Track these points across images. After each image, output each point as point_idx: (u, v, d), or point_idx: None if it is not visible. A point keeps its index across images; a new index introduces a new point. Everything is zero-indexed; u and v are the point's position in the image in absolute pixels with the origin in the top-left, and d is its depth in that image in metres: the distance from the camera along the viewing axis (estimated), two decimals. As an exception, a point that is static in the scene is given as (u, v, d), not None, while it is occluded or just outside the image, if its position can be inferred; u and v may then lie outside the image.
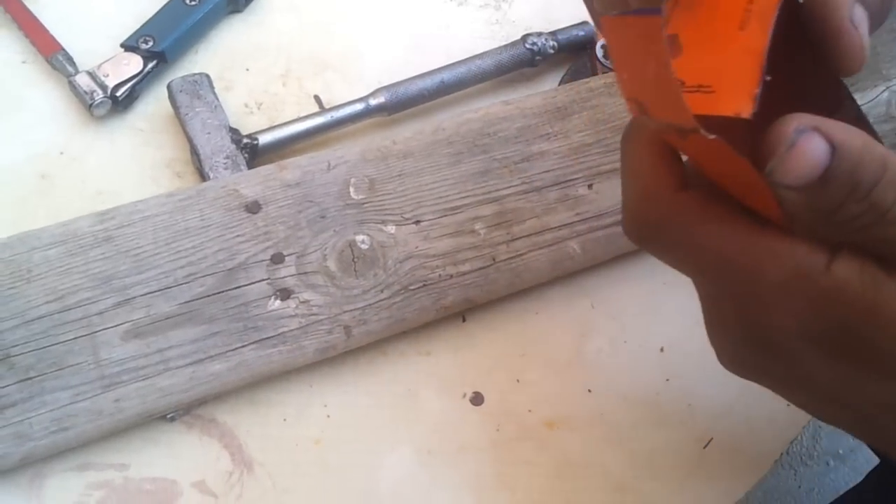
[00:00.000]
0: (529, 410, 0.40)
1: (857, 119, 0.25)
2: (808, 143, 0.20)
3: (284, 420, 0.38)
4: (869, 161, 0.20)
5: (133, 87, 0.44)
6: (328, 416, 0.39)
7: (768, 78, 0.20)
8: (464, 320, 0.41)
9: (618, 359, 0.42)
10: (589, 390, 0.41)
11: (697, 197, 0.23)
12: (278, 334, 0.35)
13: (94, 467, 0.36)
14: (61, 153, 0.43)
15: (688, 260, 0.25)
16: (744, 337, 0.25)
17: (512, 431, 0.39)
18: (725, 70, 0.21)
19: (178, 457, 0.37)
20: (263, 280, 0.36)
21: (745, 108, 0.20)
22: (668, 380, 0.41)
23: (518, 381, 0.40)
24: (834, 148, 0.20)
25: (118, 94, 0.43)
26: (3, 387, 0.33)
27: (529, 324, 0.42)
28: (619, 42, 0.22)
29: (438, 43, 0.49)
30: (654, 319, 0.42)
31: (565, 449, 0.39)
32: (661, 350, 0.42)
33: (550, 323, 0.42)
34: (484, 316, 0.41)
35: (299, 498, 0.37)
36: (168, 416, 0.36)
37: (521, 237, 0.39)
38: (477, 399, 0.40)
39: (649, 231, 0.25)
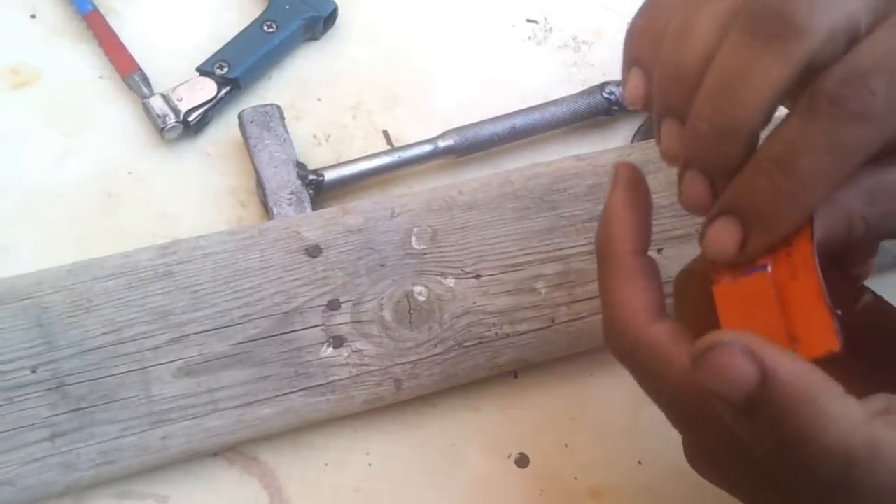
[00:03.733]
0: (576, 478, 0.38)
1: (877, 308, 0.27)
2: (732, 357, 0.20)
3: (326, 465, 0.37)
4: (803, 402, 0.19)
5: (205, 112, 0.44)
6: (370, 465, 0.38)
7: (839, 312, 0.22)
8: (516, 377, 0.40)
9: (673, 431, 0.39)
10: (640, 462, 0.39)
11: (669, 332, 0.24)
12: (328, 383, 0.35)
13: (133, 496, 0.36)
14: (129, 173, 0.43)
15: (653, 390, 0.26)
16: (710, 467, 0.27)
17: (555, 498, 0.38)
18: (799, 320, 0.23)
19: (218, 493, 0.36)
20: (318, 326, 0.35)
21: (833, 343, 0.22)
22: None
23: (566, 445, 0.39)
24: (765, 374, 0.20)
25: (190, 119, 0.43)
26: (56, 415, 0.33)
27: (584, 386, 0.40)
28: (734, 305, 0.24)
29: (513, 83, 0.47)
30: None
31: (610, 522, 0.38)
32: None
33: (606, 387, 0.40)
34: (537, 374, 0.40)
35: (334, 546, 0.36)
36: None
37: (583, 299, 0.37)
38: (522, 461, 0.38)
39: (621, 355, 0.26)
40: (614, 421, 0.40)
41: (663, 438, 0.39)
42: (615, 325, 0.25)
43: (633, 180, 0.26)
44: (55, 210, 0.42)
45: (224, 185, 0.43)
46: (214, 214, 0.43)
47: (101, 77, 0.45)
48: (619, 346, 0.25)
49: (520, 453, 0.39)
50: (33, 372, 0.33)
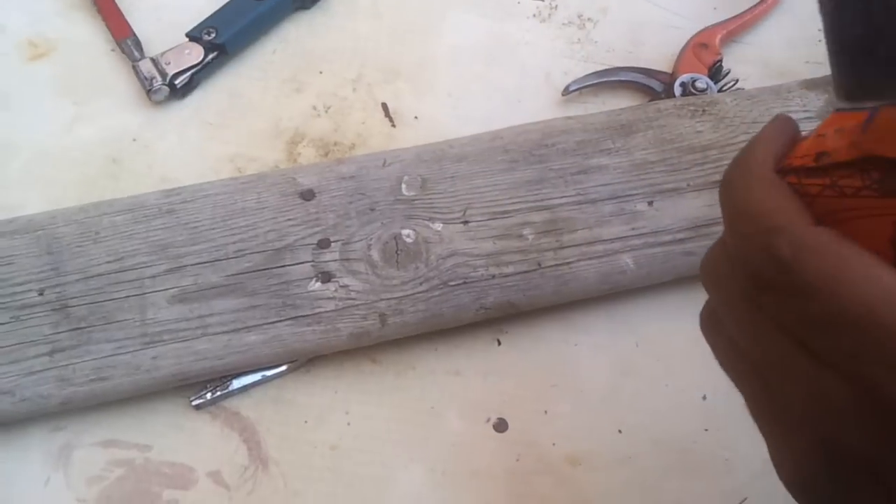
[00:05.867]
0: (553, 444, 0.47)
1: None
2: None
3: (305, 422, 0.47)
4: None
5: (192, 76, 0.55)
6: (348, 424, 0.47)
7: None
8: (499, 343, 0.49)
9: (655, 401, 0.48)
10: (619, 431, 0.47)
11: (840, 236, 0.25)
12: (314, 314, 0.45)
13: (118, 445, 0.46)
14: (134, 140, 0.56)
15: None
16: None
17: (532, 463, 0.46)
18: None
19: (199, 445, 0.46)
20: (307, 262, 0.46)
21: None
22: (706, 430, 0.47)
23: (546, 412, 0.47)
24: None
25: (177, 82, 0.55)
26: (57, 332, 0.44)
27: (567, 354, 0.49)
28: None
29: (516, 58, 0.59)
30: (701, 364, 0.46)
31: (585, 488, 0.45)
32: (704, 398, 0.48)
33: (589, 356, 0.49)
34: (520, 340, 0.49)
35: (308, 501, 0.45)
36: (194, 403, 0.46)
37: (570, 246, 0.47)
38: (500, 425, 0.47)
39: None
40: (595, 389, 0.48)
41: (644, 407, 0.48)
42: (770, 232, 0.26)
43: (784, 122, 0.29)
44: (63, 174, 0.54)
45: (224, 152, 0.55)
46: (212, 179, 0.54)
47: (112, 50, 0.58)
48: (777, 256, 0.26)
49: (499, 418, 0.47)
50: (40, 294, 0.44)
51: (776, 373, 0.27)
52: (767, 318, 0.27)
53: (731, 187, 0.28)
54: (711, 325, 0.32)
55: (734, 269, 0.28)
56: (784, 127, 0.29)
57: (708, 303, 0.32)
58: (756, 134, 0.29)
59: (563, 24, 0.60)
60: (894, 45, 0.28)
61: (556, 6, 0.61)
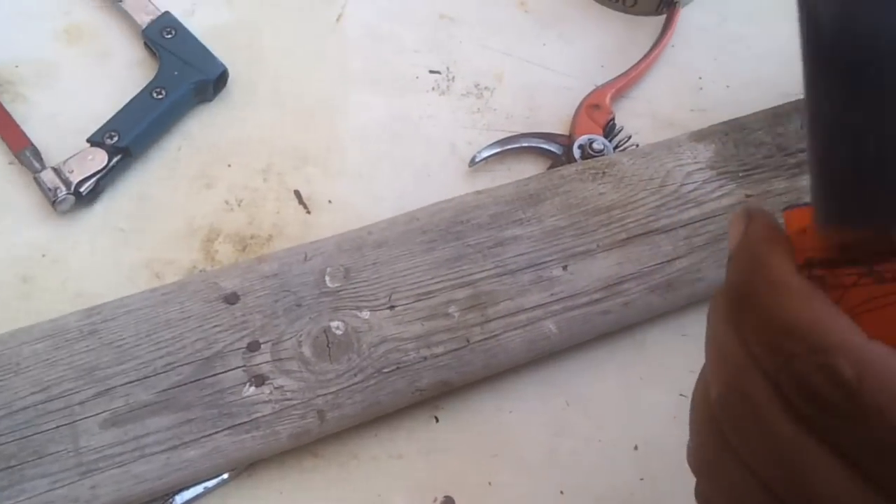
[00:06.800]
0: None
1: None
2: None
3: (252, 530, 0.46)
4: None
5: (97, 182, 0.54)
6: (297, 526, 0.46)
7: None
8: (437, 421, 0.50)
9: (591, 458, 0.49)
10: (561, 492, 0.48)
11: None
12: (252, 420, 0.44)
13: None
14: (43, 256, 0.54)
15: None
16: None
17: None
18: None
19: None
20: (239, 367, 0.45)
21: None
22: (642, 479, 0.49)
23: (490, 483, 0.48)
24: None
25: (82, 189, 0.53)
26: (-13, 475, 0.42)
27: (503, 423, 0.50)
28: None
29: (420, 133, 0.60)
30: (629, 416, 0.50)
31: (534, 559, 0.46)
32: (636, 448, 0.49)
33: (524, 422, 0.50)
34: (457, 415, 0.50)
35: None
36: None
37: (495, 318, 0.48)
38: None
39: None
40: (534, 454, 0.49)
41: (582, 466, 0.49)
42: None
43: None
44: (-29, 299, 0.52)
45: (138, 258, 0.54)
46: (130, 289, 0.53)
47: (10, 163, 0.57)
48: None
49: (445, 496, 0.48)
50: (-37, 437, 0.43)
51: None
52: (820, 443, 0.25)
53: (759, 303, 0.25)
54: (721, 456, 0.29)
55: (777, 393, 0.25)
56: (773, 223, 0.27)
57: (705, 439, 0.29)
58: (745, 235, 0.27)
59: (462, 94, 0.62)
60: (886, 180, 0.26)
61: (454, 77, 0.62)
